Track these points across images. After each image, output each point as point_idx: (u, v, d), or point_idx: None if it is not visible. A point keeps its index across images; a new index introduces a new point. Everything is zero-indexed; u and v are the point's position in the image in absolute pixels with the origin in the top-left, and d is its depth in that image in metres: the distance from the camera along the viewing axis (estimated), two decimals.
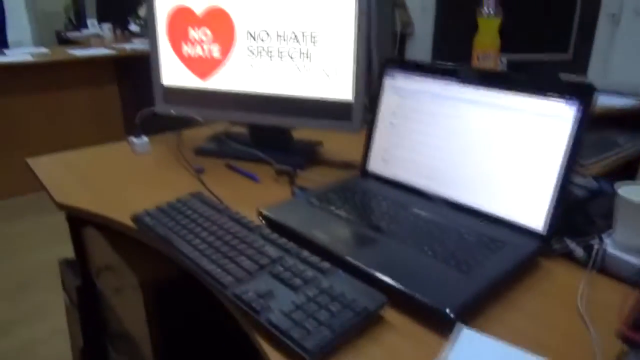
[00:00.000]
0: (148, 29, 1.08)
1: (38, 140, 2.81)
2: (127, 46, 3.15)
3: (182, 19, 1.04)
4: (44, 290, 1.98)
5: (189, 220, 0.73)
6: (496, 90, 0.72)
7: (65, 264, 1.28)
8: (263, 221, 0.76)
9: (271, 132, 1.07)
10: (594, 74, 2.78)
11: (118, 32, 3.85)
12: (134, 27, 3.83)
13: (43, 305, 1.89)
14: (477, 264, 0.61)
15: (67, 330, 1.36)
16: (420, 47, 4.27)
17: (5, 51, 3.01)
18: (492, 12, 1.63)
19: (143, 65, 3.08)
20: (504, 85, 0.72)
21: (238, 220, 0.71)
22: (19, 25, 4.03)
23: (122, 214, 0.81)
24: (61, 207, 0.88)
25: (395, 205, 0.77)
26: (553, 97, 0.67)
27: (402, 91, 0.84)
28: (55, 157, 1.10)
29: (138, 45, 3.23)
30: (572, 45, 2.06)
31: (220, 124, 1.25)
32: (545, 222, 0.66)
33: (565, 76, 2.05)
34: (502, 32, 1.65)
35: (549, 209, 0.66)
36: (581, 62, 2.78)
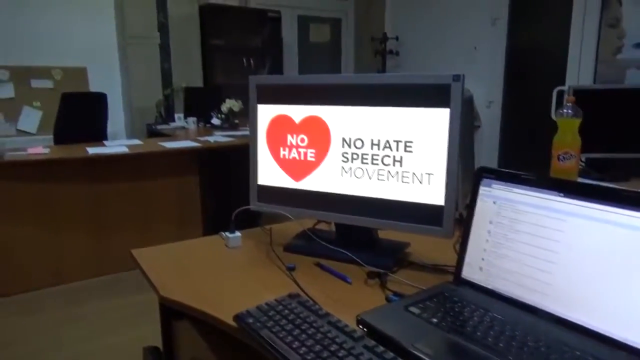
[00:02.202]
0: (250, 134, 1.19)
1: (126, 226, 3.01)
2: (210, 138, 3.41)
3: (282, 126, 1.13)
4: None
5: (290, 324, 0.75)
6: (603, 205, 0.71)
7: (150, 351, 1.31)
8: (361, 326, 0.76)
9: (358, 231, 1.10)
10: None
11: (201, 125, 4.21)
12: (215, 121, 4.18)
13: None
14: None
15: None
16: (488, 140, 4.29)
17: (105, 142, 3.36)
18: (570, 112, 1.64)
19: (222, 157, 3.32)
20: (613, 200, 0.71)
21: (342, 329, 0.72)
22: (115, 118, 4.53)
23: (222, 312, 0.84)
24: (165, 300, 0.92)
25: (500, 319, 0.75)
26: None
27: (499, 200, 0.85)
28: (155, 249, 1.17)
29: (219, 137, 3.49)
30: None
31: (305, 218, 1.29)
32: None
33: None
34: (582, 131, 1.64)
35: None
36: None
